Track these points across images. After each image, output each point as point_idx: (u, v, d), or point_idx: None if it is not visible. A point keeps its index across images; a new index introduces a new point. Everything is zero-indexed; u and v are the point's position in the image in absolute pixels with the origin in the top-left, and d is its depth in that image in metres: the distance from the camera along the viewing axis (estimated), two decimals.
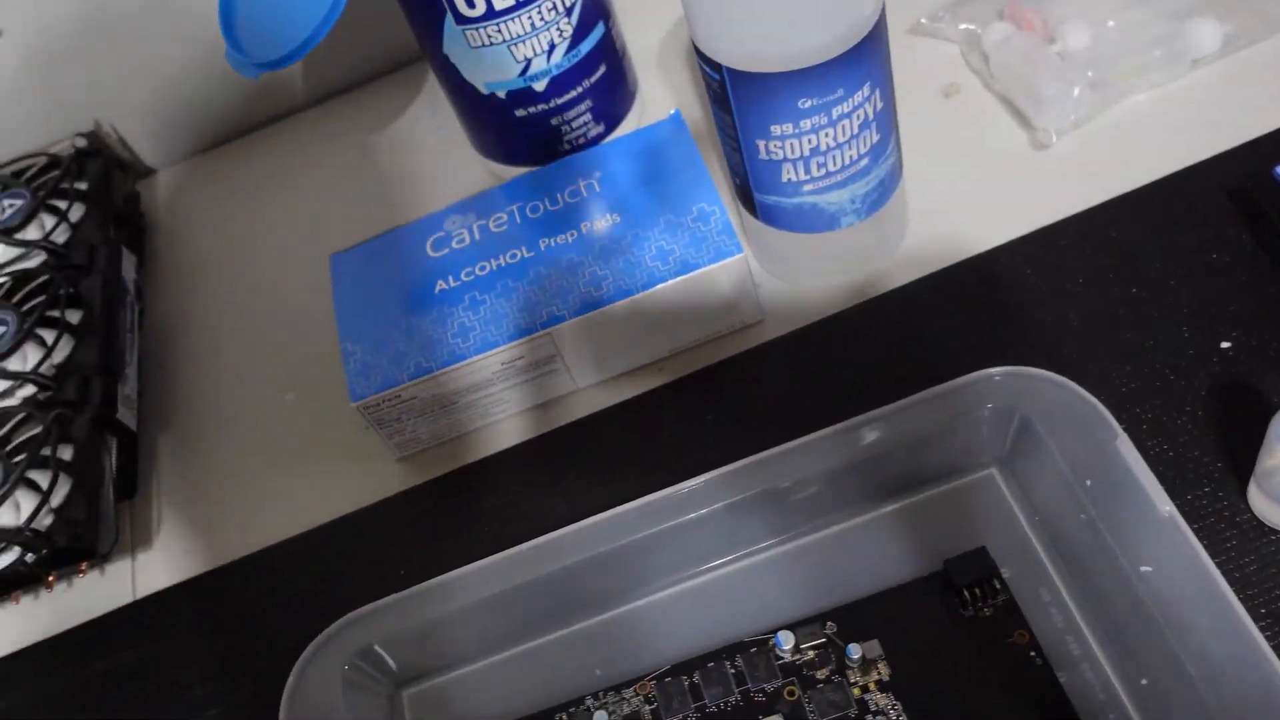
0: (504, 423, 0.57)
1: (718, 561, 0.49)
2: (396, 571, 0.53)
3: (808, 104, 0.46)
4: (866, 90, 0.47)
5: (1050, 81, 0.57)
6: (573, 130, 0.62)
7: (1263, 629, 0.41)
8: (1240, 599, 0.39)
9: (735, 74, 0.46)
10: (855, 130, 0.48)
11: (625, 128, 0.64)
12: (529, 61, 0.58)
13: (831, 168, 0.49)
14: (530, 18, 0.55)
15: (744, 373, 0.55)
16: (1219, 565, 0.40)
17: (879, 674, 0.43)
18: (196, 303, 0.67)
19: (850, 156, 0.49)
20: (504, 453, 0.56)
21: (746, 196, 0.53)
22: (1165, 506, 0.41)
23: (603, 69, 0.61)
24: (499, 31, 0.56)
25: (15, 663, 0.55)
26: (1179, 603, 0.41)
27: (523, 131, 0.61)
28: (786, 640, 0.45)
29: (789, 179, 0.50)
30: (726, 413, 0.54)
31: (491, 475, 0.55)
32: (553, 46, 0.57)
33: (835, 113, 0.47)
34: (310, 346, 0.62)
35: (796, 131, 0.48)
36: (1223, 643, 0.39)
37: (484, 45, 0.56)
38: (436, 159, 0.69)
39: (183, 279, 0.69)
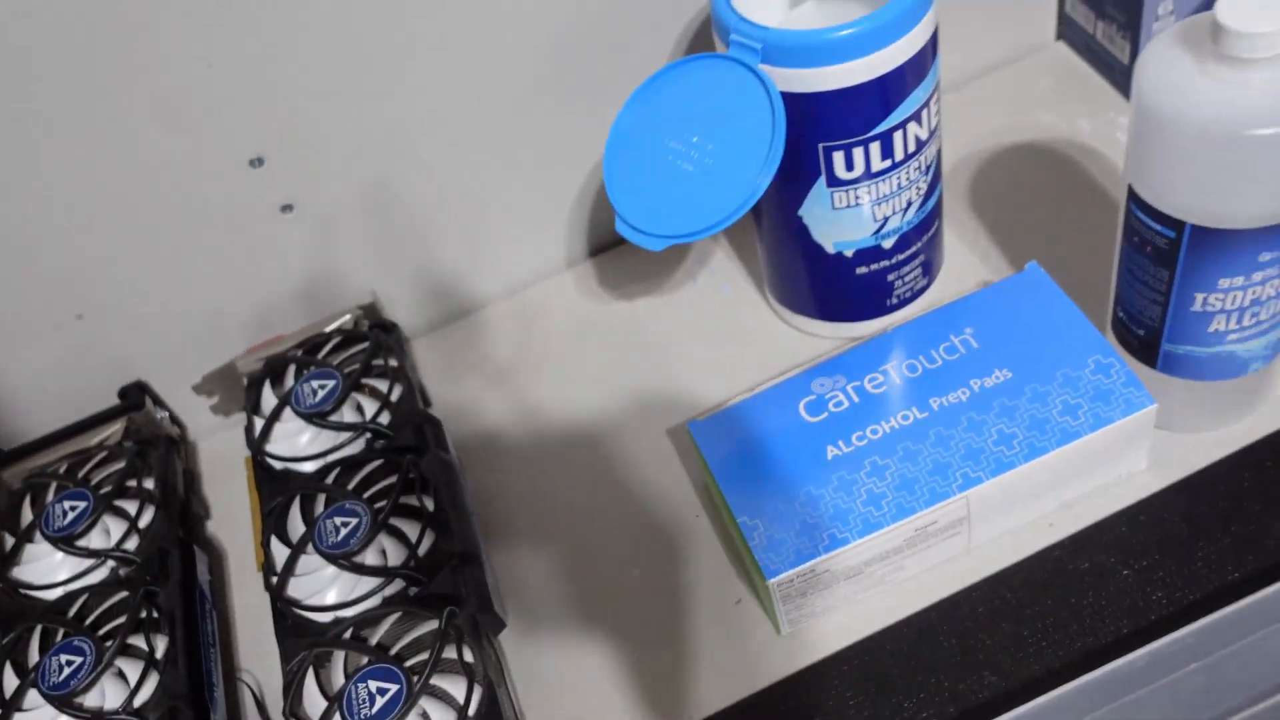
0: (897, 589, 0.54)
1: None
2: None
3: (1267, 258, 0.47)
4: None
5: None
6: (904, 284, 0.61)
7: None
8: None
9: (1198, 230, 0.46)
10: None
11: (941, 281, 0.64)
12: (886, 220, 0.57)
13: (1263, 317, 0.49)
14: (899, 177, 0.55)
15: (1141, 523, 0.54)
16: None
17: None
18: (505, 477, 0.64)
19: None
20: (905, 621, 0.53)
21: (1148, 347, 0.53)
22: None
23: (936, 224, 0.61)
24: (868, 192, 0.55)
25: None
26: None
27: (857, 288, 0.61)
28: None
29: (1216, 329, 0.50)
30: (1143, 566, 0.52)
31: (891, 646, 0.53)
32: (909, 205, 0.57)
33: None
34: (648, 519, 0.60)
35: (1246, 283, 0.48)
36: None
37: (848, 206, 0.56)
38: (724, 318, 0.68)
39: (478, 458, 0.66)
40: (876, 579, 0.54)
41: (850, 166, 0.54)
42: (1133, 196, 0.49)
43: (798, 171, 0.55)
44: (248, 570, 0.63)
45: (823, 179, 0.55)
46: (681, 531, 0.59)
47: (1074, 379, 0.53)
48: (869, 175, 0.55)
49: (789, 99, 0.52)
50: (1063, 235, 0.64)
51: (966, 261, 0.65)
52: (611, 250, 0.74)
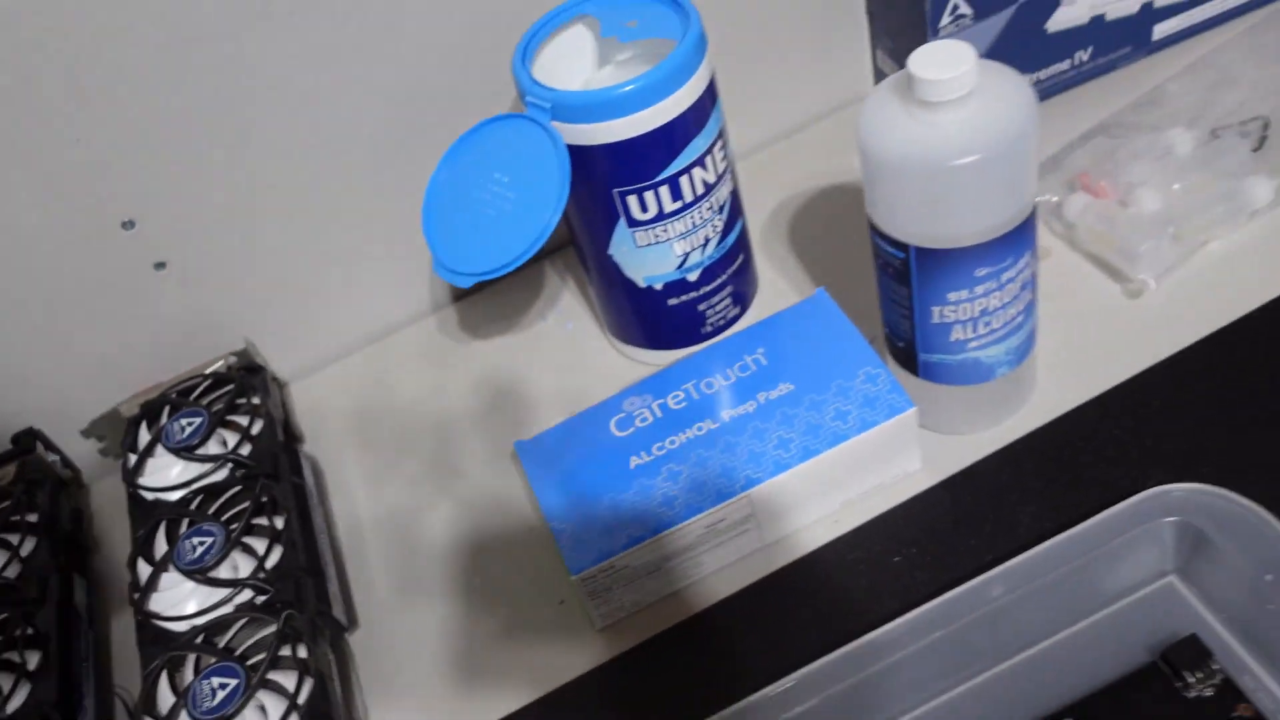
0: (698, 584, 0.61)
1: (944, 686, 0.54)
2: None
3: (983, 272, 0.54)
4: (1027, 257, 0.55)
5: (1144, 238, 0.65)
6: (715, 314, 0.68)
7: None
8: None
9: (921, 251, 0.53)
10: (1017, 290, 0.56)
11: (756, 309, 0.71)
12: (686, 255, 0.64)
13: (995, 325, 0.56)
14: (692, 218, 0.62)
15: (912, 516, 0.60)
16: None
17: None
18: (366, 499, 0.71)
19: (1011, 314, 0.56)
20: (705, 612, 0.60)
21: (908, 357, 0.60)
22: None
23: (740, 258, 0.68)
24: (665, 230, 0.62)
25: None
26: None
27: (672, 318, 0.68)
28: None
29: (957, 338, 0.57)
30: (912, 553, 0.59)
31: (696, 635, 0.59)
32: (707, 241, 0.64)
33: (1004, 278, 0.54)
34: (490, 531, 0.66)
35: (970, 296, 0.55)
36: None
37: (650, 244, 0.63)
38: (569, 352, 0.74)
39: (348, 480, 0.72)
40: (678, 574, 0.60)
41: (645, 209, 0.61)
42: (871, 225, 0.56)
43: (602, 215, 0.62)
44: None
45: (623, 220, 0.62)
46: (518, 542, 0.65)
47: (846, 389, 0.60)
48: (663, 216, 0.62)
49: (583, 151, 0.59)
50: (856, 264, 0.72)
51: (779, 290, 0.72)
52: (472, 296, 0.81)
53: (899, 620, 0.53)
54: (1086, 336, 0.65)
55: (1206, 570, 0.54)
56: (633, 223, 0.62)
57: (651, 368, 0.71)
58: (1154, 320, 0.65)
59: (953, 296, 0.55)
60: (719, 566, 0.61)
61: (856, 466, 0.60)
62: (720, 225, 0.65)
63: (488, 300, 0.80)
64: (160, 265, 0.70)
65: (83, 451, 0.76)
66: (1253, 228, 0.67)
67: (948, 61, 0.50)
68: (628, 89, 0.57)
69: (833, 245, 0.74)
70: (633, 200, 0.61)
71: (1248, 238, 0.67)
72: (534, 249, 0.57)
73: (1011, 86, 0.51)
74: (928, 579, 0.57)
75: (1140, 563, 0.55)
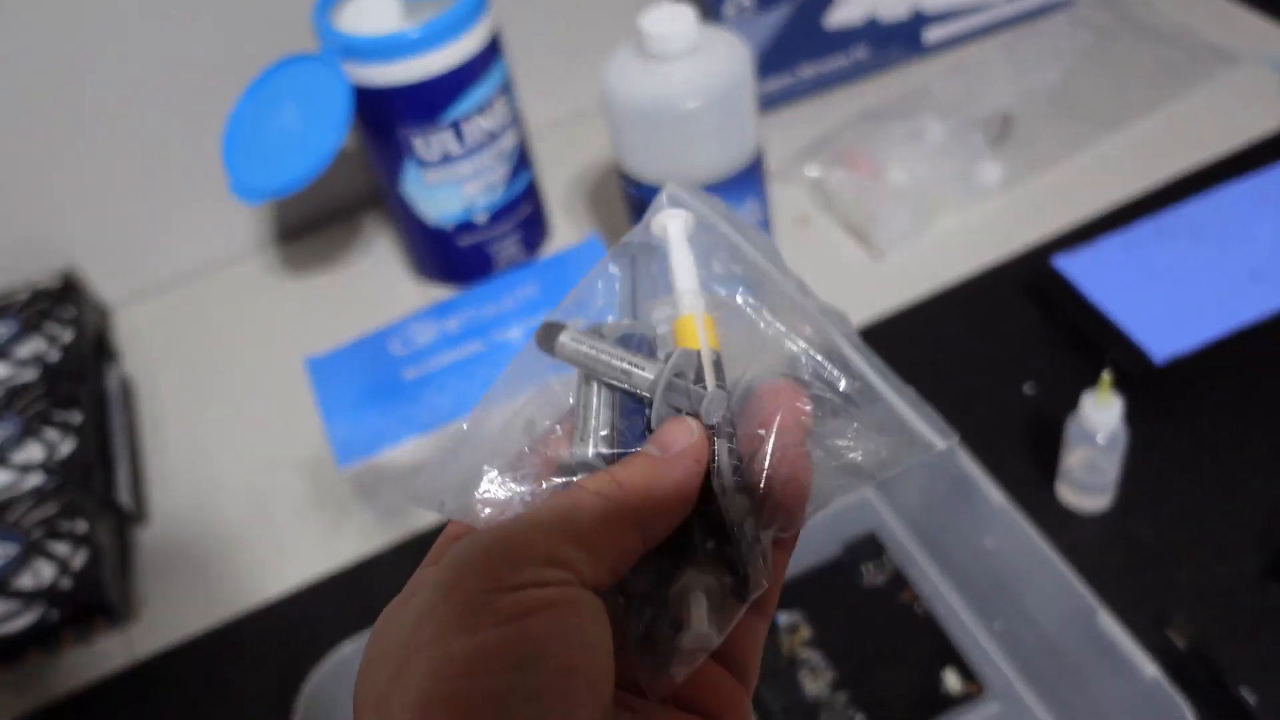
0: None
1: None
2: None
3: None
4: (754, 202, 0.62)
5: (884, 208, 0.74)
6: (504, 255, 0.75)
7: (1076, 576, 0.55)
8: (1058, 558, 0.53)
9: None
10: None
11: (545, 252, 0.78)
12: (473, 199, 0.71)
13: None
14: (475, 163, 0.69)
15: None
16: (1042, 537, 0.54)
17: (803, 635, 0.55)
18: (175, 413, 0.76)
19: None
20: None
21: None
22: (997, 498, 0.55)
23: (529, 208, 0.75)
24: (451, 173, 0.69)
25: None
26: (1016, 565, 0.54)
27: (463, 257, 0.74)
28: None
29: None
30: None
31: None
32: (491, 187, 0.71)
33: None
34: (282, 443, 0.72)
35: None
36: (1049, 591, 0.52)
37: (438, 185, 0.70)
38: (378, 290, 0.81)
39: (162, 395, 0.77)
40: None
41: (429, 149, 0.68)
42: (620, 173, 0.63)
43: (392, 152, 0.69)
44: None
45: (413, 159, 0.69)
46: (307, 452, 0.71)
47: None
48: (447, 159, 0.68)
49: (374, 93, 0.65)
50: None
51: (568, 239, 0.79)
52: (300, 239, 0.87)
53: None
54: (838, 291, 0.72)
55: (894, 481, 0.61)
56: (421, 163, 0.69)
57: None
58: (892, 278, 0.73)
59: None
60: None
61: None
62: (506, 173, 0.71)
63: (311, 244, 0.86)
64: None
65: None
66: (981, 207, 0.76)
67: (673, 20, 0.57)
68: (411, 33, 0.63)
69: (612, 203, 0.82)
70: (419, 142, 0.67)
71: (976, 215, 0.76)
72: (316, 171, 0.63)
73: (730, 46, 0.59)
74: None
75: None
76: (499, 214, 0.73)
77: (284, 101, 0.66)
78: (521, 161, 0.73)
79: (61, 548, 0.60)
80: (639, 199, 0.62)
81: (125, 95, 0.75)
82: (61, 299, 0.74)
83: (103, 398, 0.71)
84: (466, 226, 0.72)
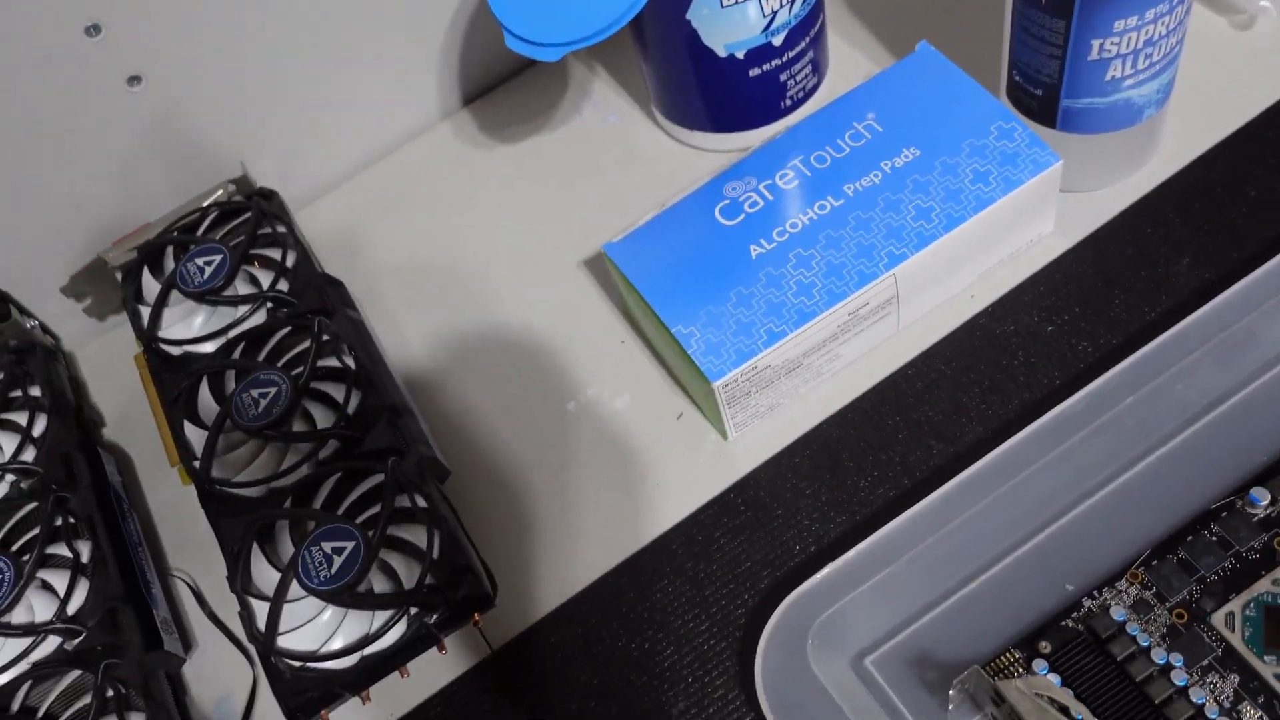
0: (831, 380, 0.55)
1: (1140, 453, 0.49)
2: (792, 549, 0.51)
3: None
4: None
5: None
6: (795, 85, 0.60)
7: None
8: None
9: None
10: (1182, 15, 0.49)
11: (830, 79, 0.63)
12: (774, 15, 0.56)
13: (1155, 58, 0.50)
14: None
15: (1056, 282, 0.55)
16: None
17: None
18: (415, 335, 0.62)
19: (1172, 44, 0.50)
20: (843, 411, 0.54)
21: (1046, 107, 0.53)
22: None
23: (820, 18, 0.60)
24: None
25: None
26: None
27: (750, 92, 0.60)
28: (1261, 496, 0.46)
29: (1113, 76, 0.51)
30: (1064, 320, 0.54)
31: (836, 439, 0.53)
32: None
33: None
34: (574, 353, 0.59)
35: (1139, 23, 0.48)
36: None
37: (735, 3, 0.55)
38: (615, 146, 0.66)
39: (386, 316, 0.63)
40: (814, 370, 0.54)
41: None
42: None
43: None
44: (159, 469, 0.60)
45: None
46: (609, 360, 0.58)
47: (980, 148, 0.54)
48: None
49: None
50: (940, 15, 0.65)
51: (849, 57, 0.65)
52: (484, 98, 0.71)
53: (1080, 393, 0.48)
54: (1199, 77, 0.60)
55: None
56: None
57: (721, 154, 0.63)
58: (1272, 52, 0.60)
59: (1119, 25, 0.48)
60: (855, 357, 0.55)
61: (996, 232, 0.54)
62: None
63: (501, 100, 0.70)
64: (134, 79, 0.59)
65: (59, 315, 0.64)
66: None
67: None
68: None
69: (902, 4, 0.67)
70: None
71: None
72: (639, 5, 0.48)
73: None
74: (1091, 347, 0.53)
75: None
76: (794, 32, 0.58)
77: None
78: None
79: (411, 535, 0.48)
80: None
81: None
82: (262, 209, 0.59)
83: (364, 330, 0.57)
84: (762, 51, 0.58)
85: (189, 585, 0.55)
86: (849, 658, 0.47)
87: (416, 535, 0.47)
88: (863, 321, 0.53)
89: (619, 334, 0.59)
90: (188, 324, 0.56)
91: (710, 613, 0.50)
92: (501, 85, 0.71)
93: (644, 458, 0.55)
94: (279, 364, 0.53)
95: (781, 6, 0.56)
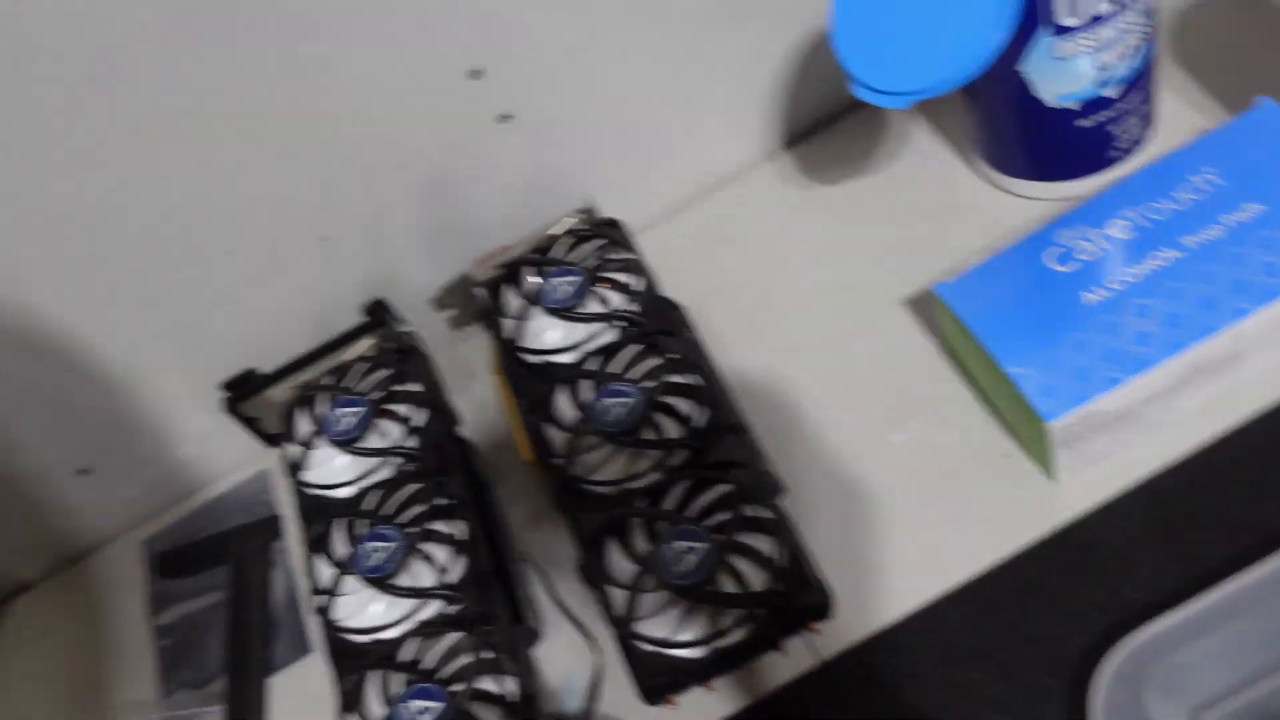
0: (1166, 430, 0.55)
1: None
2: (1124, 594, 0.52)
3: None
4: None
5: None
6: (1123, 136, 0.62)
7: None
8: None
9: None
10: None
11: (1158, 130, 0.64)
12: (1109, 67, 0.58)
13: None
14: (1122, 23, 0.56)
15: None
16: None
17: None
18: (741, 358, 0.66)
19: None
20: (1183, 464, 0.54)
21: None
22: None
23: (1152, 72, 0.61)
24: (1093, 38, 0.56)
25: None
26: None
27: (1077, 142, 0.62)
28: None
29: None
30: None
31: (1169, 489, 0.54)
32: (1133, 50, 0.58)
33: None
34: (898, 389, 0.61)
35: None
36: None
37: (1070, 56, 0.57)
38: (936, 191, 0.69)
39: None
40: (1148, 420, 0.55)
41: (1074, 11, 0.55)
42: None
43: (1020, 21, 0.56)
44: (508, 462, 0.66)
45: (1047, 26, 0.56)
46: (933, 397, 0.61)
47: None
48: (1096, 20, 0.55)
49: None
50: (1272, 71, 0.64)
51: (1177, 110, 0.66)
52: (804, 142, 0.75)
53: None
54: None
55: None
56: (1059, 30, 0.55)
57: (1042, 201, 0.65)
58: None
59: None
60: (1192, 410, 0.55)
61: None
62: (1149, 31, 0.58)
63: (825, 142, 0.74)
64: (505, 118, 0.66)
65: (420, 321, 0.72)
66: None
67: None
68: None
69: (1230, 52, 0.67)
70: (1061, 4, 0.54)
71: None
72: (994, 55, 0.51)
73: None
74: None
75: None
76: (1130, 84, 0.59)
77: None
78: (1154, 13, 0.59)
79: (759, 542, 0.52)
80: None
81: None
82: (612, 237, 0.65)
83: (702, 350, 0.61)
84: (1095, 103, 0.59)
85: (537, 571, 0.61)
86: (1188, 709, 0.48)
87: (759, 544, 0.51)
88: (1203, 374, 0.54)
89: (942, 373, 0.61)
90: (545, 336, 0.62)
91: (1041, 649, 0.51)
92: (820, 130, 0.75)
93: (969, 493, 0.57)
94: (633, 377, 0.59)
95: (1120, 60, 0.58)
